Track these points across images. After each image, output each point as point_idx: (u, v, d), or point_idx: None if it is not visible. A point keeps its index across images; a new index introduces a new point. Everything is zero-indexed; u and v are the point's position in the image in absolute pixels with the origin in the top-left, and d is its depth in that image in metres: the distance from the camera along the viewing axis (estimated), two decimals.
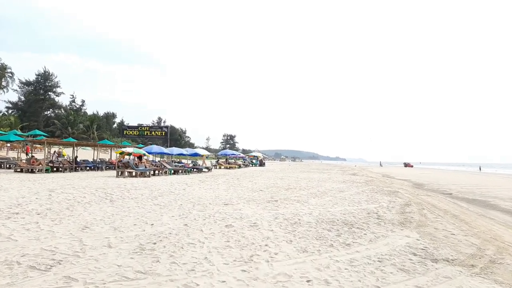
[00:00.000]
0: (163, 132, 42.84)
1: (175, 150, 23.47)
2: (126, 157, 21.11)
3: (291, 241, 5.38)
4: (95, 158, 28.01)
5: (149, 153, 21.76)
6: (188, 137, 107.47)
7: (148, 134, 43.27)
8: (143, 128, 43.02)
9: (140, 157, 19.56)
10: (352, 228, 6.49)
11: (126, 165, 18.12)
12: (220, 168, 34.05)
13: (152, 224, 6.26)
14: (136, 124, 51.85)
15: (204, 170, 26.19)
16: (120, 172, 18.14)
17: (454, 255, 4.93)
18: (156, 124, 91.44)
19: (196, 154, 26.82)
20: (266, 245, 5.09)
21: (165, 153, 22.35)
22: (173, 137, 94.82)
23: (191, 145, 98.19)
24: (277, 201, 9.87)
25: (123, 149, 20.86)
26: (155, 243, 4.98)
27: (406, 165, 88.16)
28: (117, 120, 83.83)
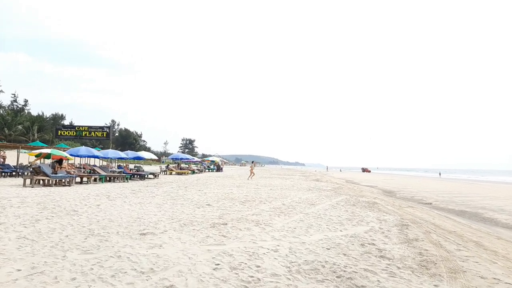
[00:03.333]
0: (104, 133, 37.28)
1: (111, 152, 19.43)
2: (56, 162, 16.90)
3: None
4: (21, 162, 23.75)
5: (76, 156, 17.61)
6: (144, 141, 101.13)
7: (87, 135, 37.56)
8: (80, 128, 37.16)
9: (60, 161, 15.43)
10: (353, 287, 3.56)
11: (38, 171, 14.00)
12: (170, 173, 30.18)
13: None
14: (74, 124, 45.62)
15: (149, 176, 22.36)
16: (29, 180, 13.98)
17: None
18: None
19: (139, 158, 22.89)
20: None
21: (97, 156, 18.32)
22: (127, 140, 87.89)
23: (147, 149, 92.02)
24: (226, 224, 6.74)
25: (40, 151, 16.56)
26: None
27: (364, 170, 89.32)
28: (66, 121, 75.57)
